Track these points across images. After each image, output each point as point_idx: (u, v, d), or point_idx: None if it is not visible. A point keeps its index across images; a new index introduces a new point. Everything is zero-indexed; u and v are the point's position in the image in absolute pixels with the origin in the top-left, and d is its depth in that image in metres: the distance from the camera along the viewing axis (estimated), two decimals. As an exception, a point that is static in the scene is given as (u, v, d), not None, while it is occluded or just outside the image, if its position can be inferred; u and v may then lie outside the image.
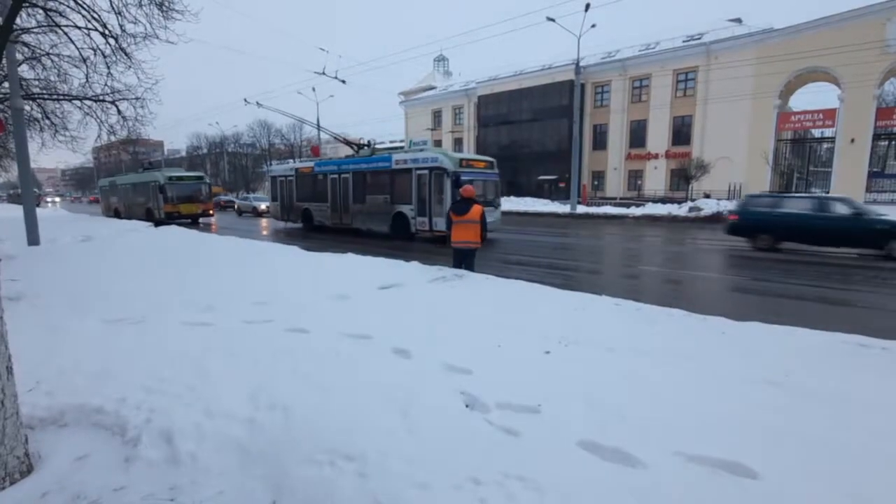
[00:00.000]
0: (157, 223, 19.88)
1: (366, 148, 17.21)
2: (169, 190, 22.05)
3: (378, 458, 2.29)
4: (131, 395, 3.04)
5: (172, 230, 14.80)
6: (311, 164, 18.54)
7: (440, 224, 12.92)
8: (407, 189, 14.11)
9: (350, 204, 16.45)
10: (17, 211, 14.54)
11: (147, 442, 2.60)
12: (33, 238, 11.13)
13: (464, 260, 7.32)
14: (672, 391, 2.98)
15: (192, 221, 22.86)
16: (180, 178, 23.16)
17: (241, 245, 10.91)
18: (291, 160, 54.86)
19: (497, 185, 14.70)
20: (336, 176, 17.01)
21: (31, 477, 2.39)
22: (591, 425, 2.54)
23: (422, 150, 14.24)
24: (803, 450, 2.32)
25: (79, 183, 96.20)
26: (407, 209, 14.15)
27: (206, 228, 20.03)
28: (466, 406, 2.82)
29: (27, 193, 11.44)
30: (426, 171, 13.41)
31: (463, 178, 12.40)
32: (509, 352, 3.69)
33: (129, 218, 23.55)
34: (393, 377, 3.21)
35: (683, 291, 7.93)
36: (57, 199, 67.46)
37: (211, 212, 23.99)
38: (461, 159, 13.32)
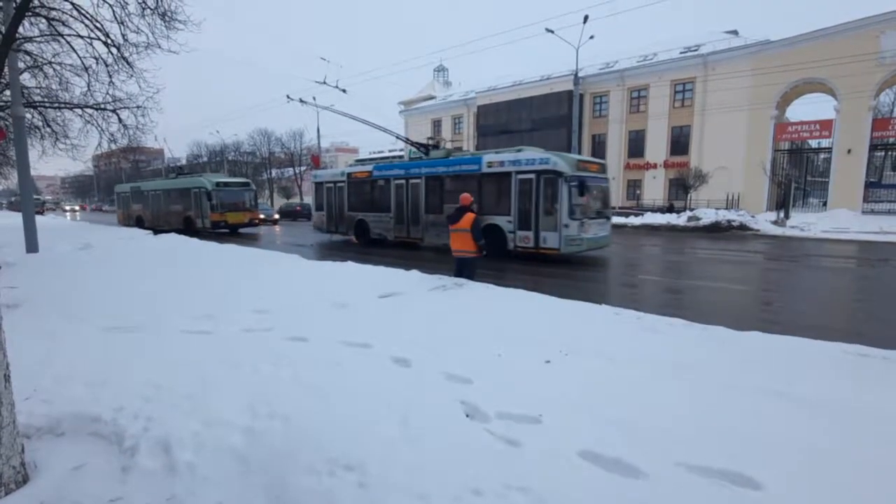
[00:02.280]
0: (198, 233, 18.71)
1: (438, 148, 14.92)
2: (216, 197, 20.24)
3: (378, 468, 2.28)
4: (129, 404, 3.02)
5: (172, 238, 14.79)
6: (369, 167, 16.15)
7: (551, 240, 10.96)
8: (503, 197, 11.88)
9: (421, 215, 14.00)
10: (16, 218, 14.51)
11: (145, 451, 2.57)
12: (32, 245, 11.12)
13: (463, 269, 7.31)
14: (673, 401, 2.97)
15: (232, 232, 20.92)
16: (227, 184, 21.20)
17: (242, 253, 10.91)
18: (292, 168, 55.04)
19: (608, 192, 12.53)
20: (402, 181, 14.60)
21: (26, 487, 2.36)
22: (592, 435, 2.52)
23: (520, 150, 12.07)
24: (807, 460, 2.31)
25: (78, 191, 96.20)
26: (503, 221, 11.82)
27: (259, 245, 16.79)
28: (467, 416, 2.80)
29: (27, 201, 11.45)
30: (532, 176, 11.23)
31: (589, 183, 10.97)
32: (509, 361, 3.68)
33: (159, 228, 21.97)
34: (393, 386, 3.19)
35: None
36: (77, 208, 60.64)
37: (257, 220, 22.03)
38: (578, 161, 11.30)
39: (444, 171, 13.46)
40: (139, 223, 24.87)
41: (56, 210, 59.61)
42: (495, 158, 12.17)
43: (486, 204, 12.16)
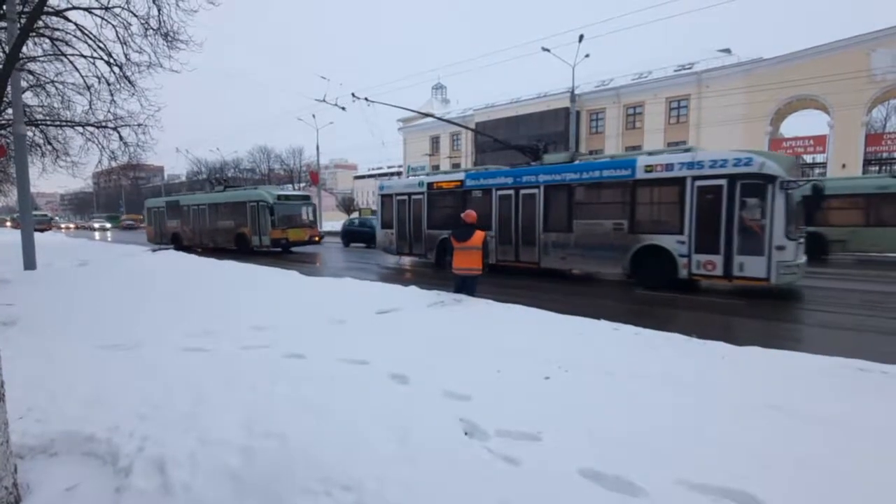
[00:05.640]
0: (252, 253, 17.65)
1: (554, 153, 12.53)
2: (277, 211, 18.38)
3: (376, 487, 2.25)
4: (124, 423, 2.98)
5: (170, 254, 14.77)
6: (459, 175, 13.58)
7: (752, 266, 8.46)
8: (671, 210, 9.54)
9: (539, 233, 11.50)
10: (15, 235, 14.47)
11: (139, 471, 2.53)
12: (30, 262, 11.09)
13: (464, 286, 7.33)
14: (673, 417, 2.95)
15: (284, 250, 18.96)
16: (288, 198, 19.29)
17: (239, 270, 10.89)
18: (291, 184, 55.34)
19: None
20: (509, 192, 12.04)
21: (18, 508, 2.33)
22: (592, 453, 2.50)
23: (690, 149, 9.81)
24: (807, 476, 2.29)
25: (77, 207, 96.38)
26: (670, 242, 9.42)
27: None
28: (465, 433, 2.77)
29: (26, 217, 11.45)
30: (722, 182, 8.70)
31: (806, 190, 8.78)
32: (508, 377, 3.66)
33: (202, 246, 20.62)
34: (391, 403, 3.17)
35: None
36: (108, 225, 55.21)
37: (318, 238, 20.08)
38: (793, 161, 8.97)
39: (573, 179, 10.96)
40: (175, 241, 22.94)
41: (88, 228, 53.78)
42: (657, 161, 9.78)
43: (643, 219, 9.97)
